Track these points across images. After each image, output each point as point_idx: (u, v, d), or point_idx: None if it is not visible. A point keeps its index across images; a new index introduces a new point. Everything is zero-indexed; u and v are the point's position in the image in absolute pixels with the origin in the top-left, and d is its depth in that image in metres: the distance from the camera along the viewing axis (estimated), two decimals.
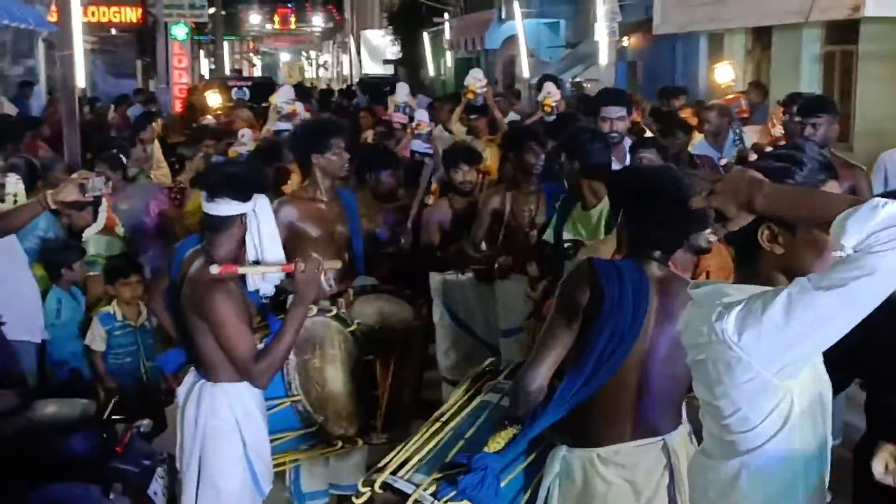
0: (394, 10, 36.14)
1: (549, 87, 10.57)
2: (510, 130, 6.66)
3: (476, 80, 10.98)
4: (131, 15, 26.83)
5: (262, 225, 3.77)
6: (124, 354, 5.82)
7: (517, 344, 5.93)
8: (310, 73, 64.18)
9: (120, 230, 6.70)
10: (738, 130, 7.48)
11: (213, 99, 12.48)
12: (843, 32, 12.41)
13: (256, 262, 3.81)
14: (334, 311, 4.65)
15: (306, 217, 5.17)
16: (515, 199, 5.93)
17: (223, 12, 40.72)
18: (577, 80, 18.85)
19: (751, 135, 7.77)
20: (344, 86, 36.11)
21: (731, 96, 9.28)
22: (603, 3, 15.76)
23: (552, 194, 6.08)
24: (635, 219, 3.17)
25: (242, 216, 3.72)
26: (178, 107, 25.69)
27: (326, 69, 61.48)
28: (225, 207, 3.69)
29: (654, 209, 3.11)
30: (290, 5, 59.69)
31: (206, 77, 35.11)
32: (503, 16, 23.63)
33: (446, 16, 29.86)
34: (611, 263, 3.15)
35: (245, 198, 3.70)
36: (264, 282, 3.85)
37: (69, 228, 6.83)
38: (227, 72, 42.62)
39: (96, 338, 5.79)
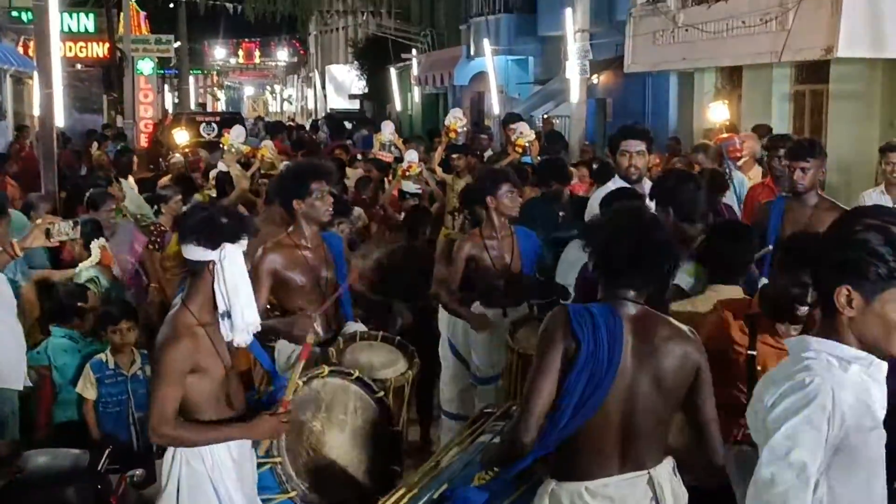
0: (360, 45, 36.21)
1: (522, 126, 10.65)
2: (482, 174, 6.49)
3: (457, 118, 11.03)
4: (99, 50, 26.71)
5: (229, 277, 3.62)
6: (114, 404, 5.62)
7: (495, 391, 5.90)
8: (274, 107, 64.15)
9: (116, 270, 6.54)
10: (728, 171, 7.49)
11: (181, 136, 12.46)
12: (814, 72, 12.60)
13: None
14: (356, 375, 4.42)
15: (291, 265, 5.10)
16: (490, 243, 5.88)
17: (189, 46, 40.61)
18: (547, 116, 18.98)
19: (743, 175, 7.81)
20: (309, 120, 36.10)
21: (724, 135, 9.32)
22: (574, 41, 15.85)
23: (526, 238, 6.08)
24: (605, 260, 3.25)
25: (209, 264, 3.63)
26: (143, 142, 25.56)
27: (291, 103, 61.41)
28: (193, 252, 3.65)
29: (621, 249, 3.19)
30: (254, 40, 59.56)
31: (170, 111, 34.97)
32: (472, 52, 23.76)
33: (414, 51, 29.97)
34: (584, 308, 3.22)
35: (211, 245, 3.61)
36: (234, 333, 3.70)
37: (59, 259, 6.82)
38: (192, 106, 42.42)
39: (87, 385, 5.61)
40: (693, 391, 3.20)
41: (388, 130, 11.26)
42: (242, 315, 3.63)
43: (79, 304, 5.95)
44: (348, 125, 24.75)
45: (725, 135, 9.62)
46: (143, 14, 30.70)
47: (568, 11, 15.97)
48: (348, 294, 5.36)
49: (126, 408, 5.64)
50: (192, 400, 3.67)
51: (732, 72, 14.26)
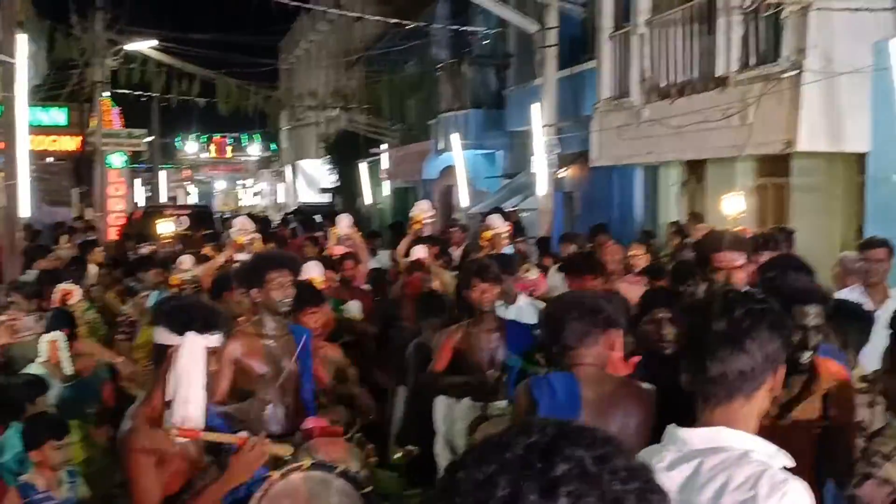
0: (330, 139, 36.56)
1: (493, 219, 10.71)
2: (463, 267, 6.49)
3: (423, 210, 11.10)
4: (70, 144, 26.83)
5: (182, 364, 3.53)
6: None
7: None
8: (245, 201, 64.38)
9: (67, 368, 6.31)
10: None
11: (165, 227, 12.42)
12: (775, 166, 12.82)
13: (211, 429, 3.64)
14: (341, 468, 4.31)
15: (252, 353, 5.06)
16: (475, 336, 5.86)
17: (161, 141, 40.85)
18: (513, 209, 19.12)
19: None
20: (280, 214, 36.20)
21: (738, 228, 9.37)
22: (542, 136, 16.11)
23: (517, 333, 6.01)
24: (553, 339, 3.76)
25: (170, 349, 3.57)
26: (113, 235, 25.50)
27: (262, 197, 61.70)
28: (160, 335, 3.63)
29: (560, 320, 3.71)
30: (225, 135, 60.10)
31: (140, 205, 35.01)
32: (441, 147, 24.02)
33: (384, 146, 30.28)
34: (543, 378, 3.71)
35: (177, 329, 3.56)
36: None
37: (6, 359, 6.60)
38: (164, 200, 42.51)
39: None
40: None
41: (344, 224, 11.00)
42: (185, 407, 3.51)
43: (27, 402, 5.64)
44: (319, 219, 24.81)
45: (739, 228, 9.70)
46: (116, 110, 30.93)
47: (535, 106, 16.30)
48: (311, 387, 5.30)
49: None
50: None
51: (697, 165, 14.49)
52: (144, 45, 24.45)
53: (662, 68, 13.08)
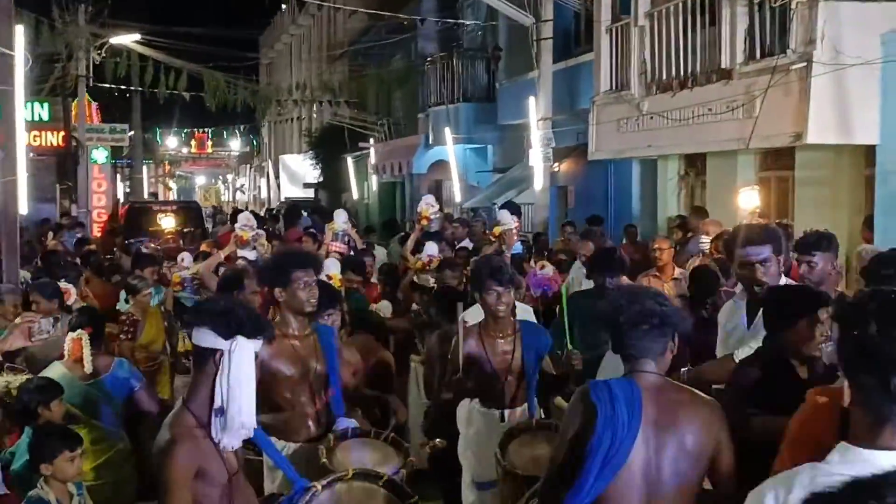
0: (315, 134, 36.31)
1: (503, 215, 10.51)
2: (474, 268, 6.17)
3: (429, 205, 10.90)
4: (53, 139, 26.52)
5: (234, 371, 3.36)
6: None
7: (490, 496, 5.64)
8: (226, 196, 64.01)
9: (88, 365, 6.10)
10: None
11: (168, 223, 12.19)
12: (779, 158, 12.72)
13: None
14: (385, 477, 4.12)
15: (278, 355, 4.87)
16: (490, 341, 5.62)
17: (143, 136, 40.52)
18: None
19: None
20: (263, 210, 35.95)
21: (755, 222, 9.20)
22: (537, 129, 15.97)
23: (533, 335, 5.83)
24: (614, 336, 3.58)
25: (217, 353, 3.39)
26: (96, 231, 25.23)
27: (243, 192, 61.33)
28: (202, 338, 3.41)
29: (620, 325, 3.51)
30: (206, 130, 59.66)
31: (122, 201, 34.71)
32: (430, 141, 23.86)
33: (371, 140, 30.07)
34: (604, 383, 3.48)
35: (224, 333, 3.37)
36: (227, 434, 3.42)
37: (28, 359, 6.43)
38: (144, 195, 42.13)
39: None
40: (716, 455, 3.41)
41: (341, 219, 10.74)
42: (239, 415, 3.34)
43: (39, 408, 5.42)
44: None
45: (755, 222, 9.55)
46: (94, 105, 30.63)
47: (531, 100, 16.15)
48: (339, 388, 5.13)
49: None
50: None
51: (696, 158, 14.38)
52: (128, 39, 24.14)
53: (663, 60, 12.93)
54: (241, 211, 12.78)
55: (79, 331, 6.07)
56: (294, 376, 4.92)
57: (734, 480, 3.41)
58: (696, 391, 3.58)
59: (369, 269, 9.52)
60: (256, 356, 3.50)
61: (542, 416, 5.65)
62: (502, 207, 10.97)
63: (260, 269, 5.33)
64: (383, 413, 5.76)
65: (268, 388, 4.89)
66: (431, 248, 8.84)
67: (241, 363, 3.37)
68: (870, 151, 10.82)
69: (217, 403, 3.38)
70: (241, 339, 3.37)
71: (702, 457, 3.39)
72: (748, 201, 10.97)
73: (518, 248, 9.81)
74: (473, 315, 5.95)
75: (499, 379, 5.65)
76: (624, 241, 13.34)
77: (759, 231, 5.16)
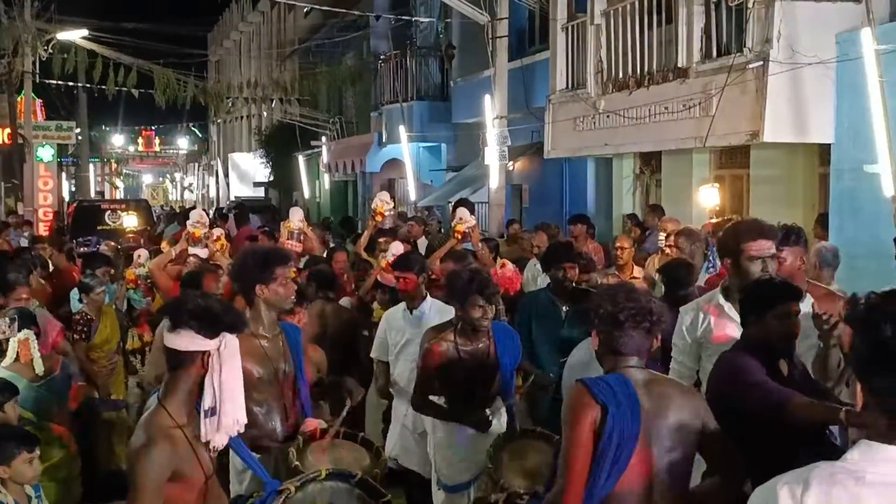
0: (265, 132, 36.01)
1: (463, 212, 10.49)
2: (457, 280, 6.17)
3: (383, 202, 10.82)
4: None
5: (226, 370, 3.32)
6: None
7: (461, 497, 5.60)
8: (174, 195, 63.29)
9: (39, 367, 5.93)
10: (712, 258, 7.33)
11: (130, 221, 11.99)
12: (734, 157, 12.83)
13: None
14: (358, 476, 4.07)
15: (248, 355, 4.73)
16: (465, 345, 5.63)
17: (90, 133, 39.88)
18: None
19: None
20: (212, 209, 35.59)
21: (715, 220, 9.22)
22: (493, 127, 15.96)
23: (506, 335, 5.82)
24: (607, 336, 3.62)
25: (204, 354, 3.33)
26: (42, 230, 24.78)
27: (192, 191, 60.66)
28: (186, 341, 3.32)
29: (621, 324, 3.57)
30: (154, 128, 58.91)
31: (67, 200, 34.19)
32: (384, 139, 23.76)
33: (323, 139, 29.87)
34: (601, 381, 3.52)
35: (211, 333, 3.31)
36: (218, 433, 3.39)
37: None
38: (92, 194, 41.48)
39: None
40: (705, 437, 3.55)
41: (296, 217, 10.64)
42: (233, 412, 3.29)
43: None
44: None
45: (716, 220, 9.58)
46: (39, 102, 30.11)
47: (486, 98, 16.13)
48: (307, 388, 5.05)
49: None
50: None
51: (651, 157, 14.45)
52: (75, 35, 23.73)
53: (619, 59, 12.97)
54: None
55: (25, 331, 5.91)
56: (263, 377, 4.81)
57: (733, 456, 3.61)
58: (675, 380, 3.88)
59: (342, 268, 9.46)
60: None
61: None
62: (460, 205, 10.93)
63: (238, 265, 5.21)
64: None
65: None
66: (397, 247, 8.77)
67: (232, 360, 3.33)
68: (824, 150, 10.95)
69: (208, 404, 3.32)
70: (227, 337, 3.32)
71: (692, 441, 3.53)
72: (708, 199, 11.03)
73: (469, 246, 9.80)
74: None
75: (473, 383, 5.63)
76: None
77: (766, 226, 4.98)
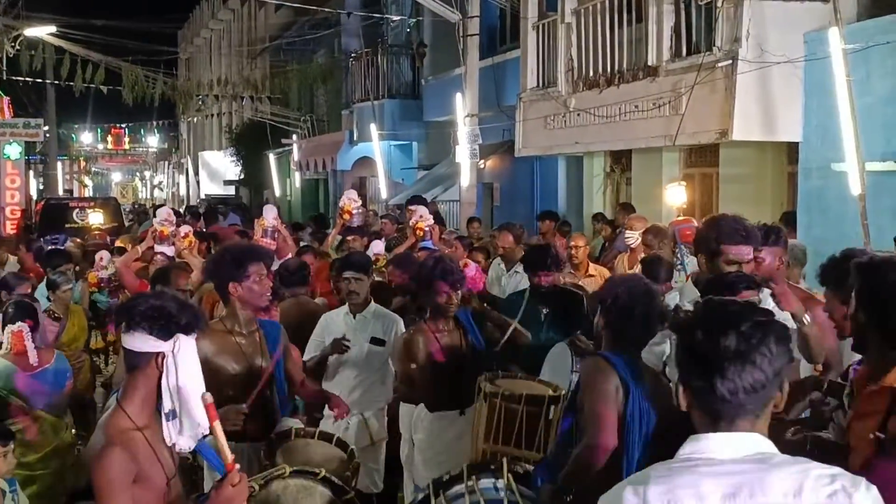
0: (236, 130, 35.82)
1: (422, 209, 10.49)
2: (420, 269, 6.12)
3: (351, 200, 10.79)
4: None
5: (181, 372, 3.25)
6: None
7: None
8: (144, 193, 62.86)
9: (33, 358, 5.99)
10: (680, 255, 7.32)
11: (96, 218, 11.91)
12: (703, 155, 12.91)
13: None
14: (323, 474, 4.02)
15: (223, 352, 4.75)
16: (440, 336, 5.71)
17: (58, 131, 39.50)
18: (433, 200, 18.95)
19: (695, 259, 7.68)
20: (182, 207, 35.36)
21: (681, 218, 9.23)
22: (464, 126, 15.95)
23: (466, 319, 5.87)
24: (619, 323, 3.98)
25: (158, 356, 3.25)
26: (9, 228, 24.53)
27: (162, 190, 60.28)
28: (139, 342, 3.25)
29: (633, 317, 3.95)
30: (123, 125, 58.46)
31: (35, 198, 33.87)
32: (355, 137, 23.70)
33: (294, 137, 29.75)
34: (619, 359, 3.85)
35: (164, 335, 3.23)
36: (182, 436, 3.31)
37: None
38: (60, 192, 41.11)
39: None
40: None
41: (270, 215, 10.63)
42: (193, 414, 3.22)
43: None
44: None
45: (681, 217, 9.58)
46: (6, 99, 29.77)
47: (457, 96, 16.12)
48: (284, 385, 4.99)
49: None
50: None
51: (622, 155, 14.50)
52: (43, 31, 23.47)
53: (590, 57, 13.00)
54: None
55: (19, 324, 5.99)
56: (238, 374, 4.78)
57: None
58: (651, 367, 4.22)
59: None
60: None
61: None
62: (416, 202, 10.93)
63: (212, 263, 5.16)
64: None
65: (211, 387, 4.75)
66: (377, 246, 8.73)
67: (186, 362, 3.25)
68: (792, 149, 11.04)
69: (167, 407, 3.25)
70: (181, 338, 3.25)
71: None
72: (675, 197, 11.08)
73: (428, 244, 9.81)
74: None
75: (453, 372, 5.64)
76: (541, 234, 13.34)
77: (749, 229, 4.87)
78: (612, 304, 3.97)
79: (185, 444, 3.30)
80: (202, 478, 4.87)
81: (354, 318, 6.52)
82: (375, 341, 6.45)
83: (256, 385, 4.73)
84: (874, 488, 2.18)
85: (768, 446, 2.27)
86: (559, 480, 3.81)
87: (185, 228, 9.74)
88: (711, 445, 2.25)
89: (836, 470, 2.21)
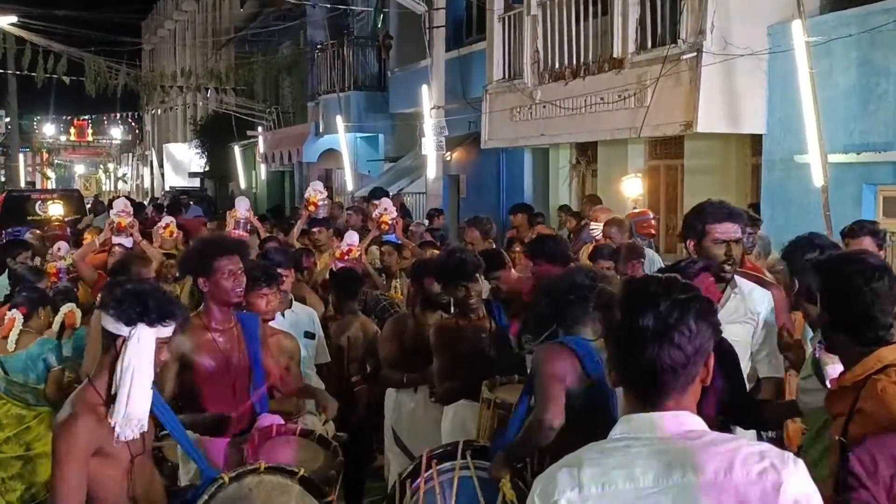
0: (200, 123, 35.54)
1: (386, 202, 10.45)
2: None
3: (317, 192, 10.74)
4: None
5: (131, 359, 3.31)
6: None
7: None
8: (107, 185, 62.21)
9: (10, 344, 6.25)
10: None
11: (55, 209, 11.77)
12: (668, 147, 12.96)
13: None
14: (301, 473, 3.92)
15: (199, 348, 4.64)
16: (464, 325, 5.61)
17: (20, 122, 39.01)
18: (398, 192, 18.89)
19: (654, 252, 7.74)
20: (147, 199, 35.07)
21: (637, 210, 9.26)
22: (430, 118, 15.91)
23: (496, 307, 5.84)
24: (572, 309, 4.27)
25: (119, 339, 3.35)
26: None
27: (126, 182, 59.68)
28: (108, 322, 3.39)
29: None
30: (86, 117, 57.78)
31: None
32: (320, 129, 23.59)
33: (259, 129, 29.56)
34: (574, 340, 4.12)
35: (126, 319, 3.32)
36: (118, 424, 3.34)
37: None
38: (22, 184, 40.57)
39: None
40: None
41: (243, 207, 10.54)
42: (128, 404, 3.28)
43: None
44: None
45: (638, 210, 9.62)
46: None
47: (424, 88, 16.08)
48: (263, 381, 4.87)
49: None
50: (92, 490, 3.28)
51: (587, 147, 14.53)
52: (3, 21, 23.14)
53: (556, 49, 13.01)
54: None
55: (14, 311, 6.25)
56: (216, 371, 4.68)
57: None
58: None
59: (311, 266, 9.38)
60: (168, 341, 3.46)
61: None
62: (379, 195, 10.89)
63: (182, 258, 5.07)
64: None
65: (188, 382, 4.69)
66: (352, 237, 8.67)
67: (138, 353, 3.31)
68: (756, 141, 11.11)
69: (114, 388, 3.34)
70: (141, 328, 3.31)
71: None
72: (631, 190, 11.13)
73: (393, 237, 9.80)
74: None
75: (481, 361, 5.59)
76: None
77: (732, 208, 4.78)
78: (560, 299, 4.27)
79: (122, 432, 3.34)
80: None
81: (283, 315, 6.33)
82: (308, 335, 6.44)
83: (234, 381, 4.65)
84: (801, 463, 2.17)
85: (697, 423, 2.26)
86: (507, 450, 3.98)
87: (167, 219, 9.70)
88: (641, 425, 2.25)
89: (766, 446, 2.22)
